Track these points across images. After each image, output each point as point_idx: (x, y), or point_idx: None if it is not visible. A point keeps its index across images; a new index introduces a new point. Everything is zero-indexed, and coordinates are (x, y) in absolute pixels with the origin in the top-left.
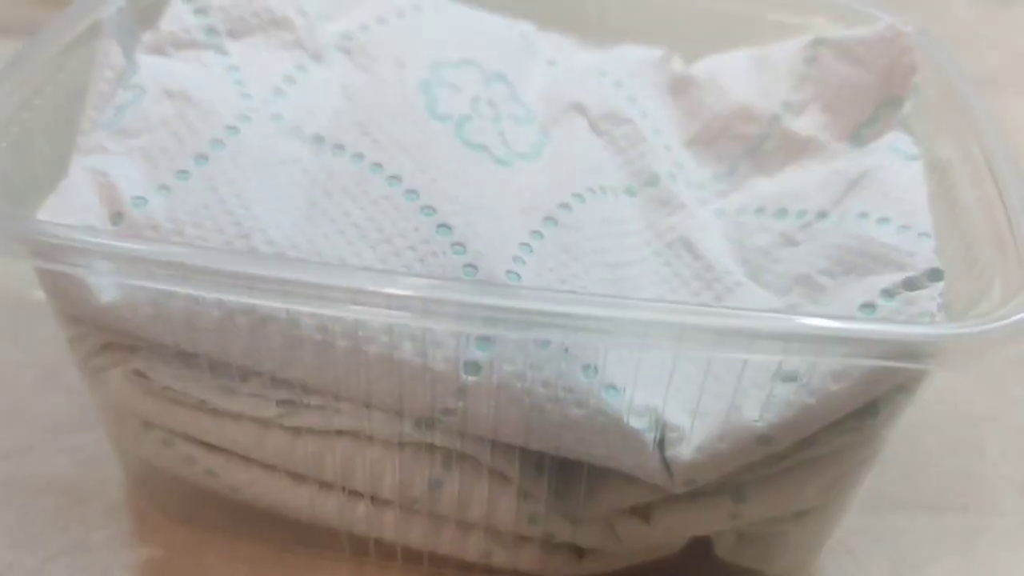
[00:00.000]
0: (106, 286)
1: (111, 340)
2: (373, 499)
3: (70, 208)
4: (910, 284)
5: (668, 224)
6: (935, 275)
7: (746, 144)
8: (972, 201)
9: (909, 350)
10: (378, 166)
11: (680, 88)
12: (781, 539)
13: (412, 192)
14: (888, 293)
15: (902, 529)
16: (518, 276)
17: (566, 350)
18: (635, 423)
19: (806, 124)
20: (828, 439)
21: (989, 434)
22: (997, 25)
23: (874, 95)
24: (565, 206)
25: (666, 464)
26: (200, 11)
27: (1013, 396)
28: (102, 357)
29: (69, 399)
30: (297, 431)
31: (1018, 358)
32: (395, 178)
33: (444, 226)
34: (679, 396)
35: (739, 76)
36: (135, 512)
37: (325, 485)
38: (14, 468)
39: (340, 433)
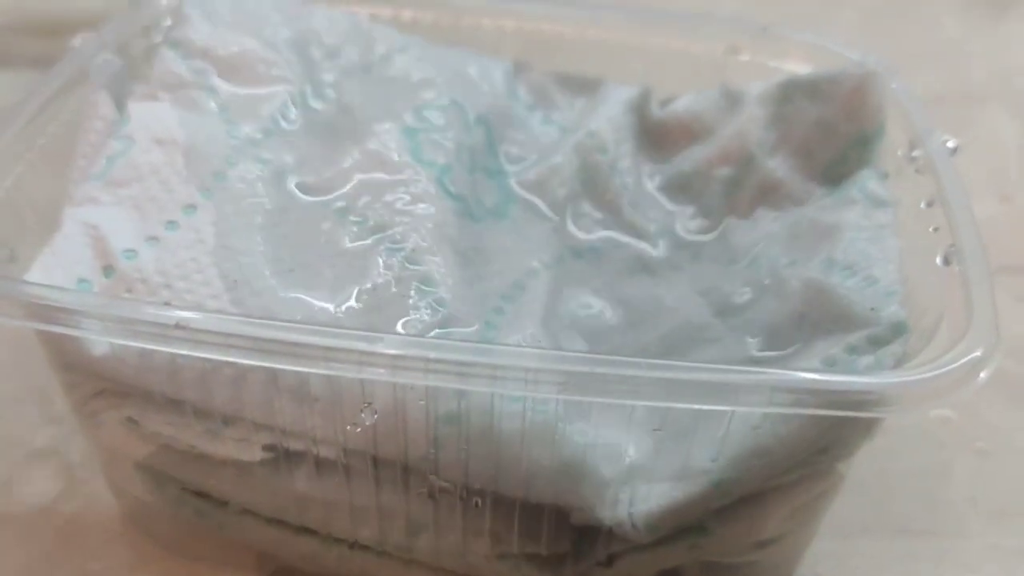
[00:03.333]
0: (99, 345)
1: (104, 387)
2: (353, 545)
3: (63, 262)
4: (875, 340)
5: (635, 288)
6: (900, 329)
7: (721, 185)
8: (923, 244)
9: (854, 400)
10: (363, 217)
11: (658, 131)
12: (747, 568)
13: (396, 245)
14: (852, 349)
15: (871, 554)
16: (495, 328)
17: (535, 403)
18: (604, 473)
19: (779, 164)
20: (782, 476)
21: (958, 456)
22: (986, 41)
23: (843, 133)
24: (532, 272)
25: (631, 516)
26: (188, 56)
27: (981, 419)
28: (95, 403)
29: (66, 431)
30: (280, 479)
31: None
32: (379, 228)
33: (426, 280)
34: (640, 445)
35: (714, 116)
36: (130, 544)
37: (308, 529)
38: (11, 500)
39: (321, 480)
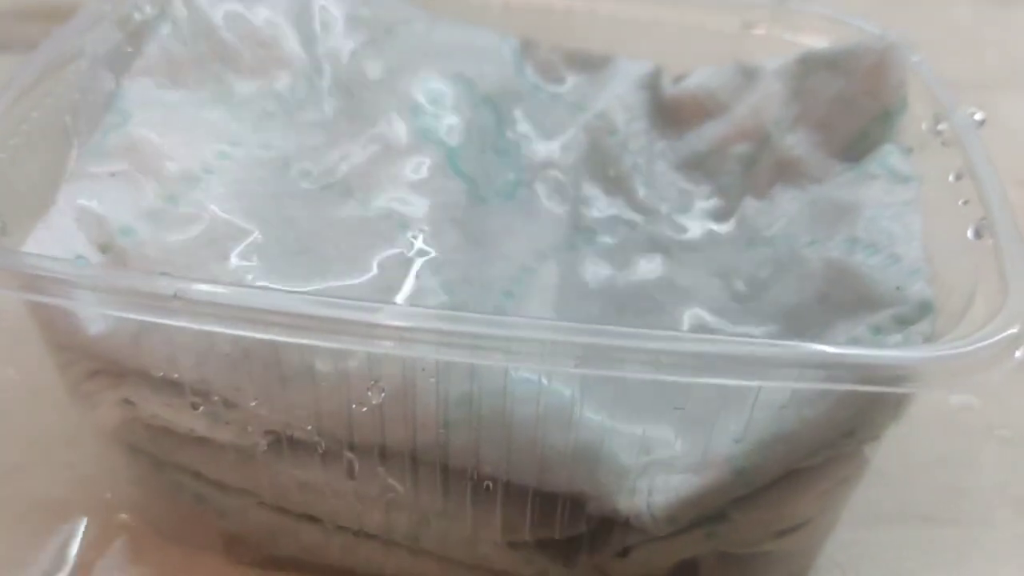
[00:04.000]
0: (94, 317)
1: (100, 367)
2: (358, 534)
3: (58, 238)
4: (901, 319)
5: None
6: (926, 308)
7: (738, 164)
8: (953, 218)
9: (887, 375)
10: (370, 199)
11: (671, 108)
12: (765, 558)
13: (404, 228)
14: (877, 329)
15: (893, 543)
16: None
17: (550, 383)
18: (622, 459)
19: (798, 141)
20: (807, 460)
21: (981, 445)
22: (996, 27)
23: (864, 109)
24: (542, 256)
25: (650, 506)
26: (186, 33)
27: (1006, 406)
28: (91, 384)
29: (61, 416)
30: (283, 465)
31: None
32: (387, 211)
33: (434, 263)
34: (660, 430)
35: (729, 93)
36: (127, 532)
37: (311, 517)
38: (4, 486)
39: (325, 466)
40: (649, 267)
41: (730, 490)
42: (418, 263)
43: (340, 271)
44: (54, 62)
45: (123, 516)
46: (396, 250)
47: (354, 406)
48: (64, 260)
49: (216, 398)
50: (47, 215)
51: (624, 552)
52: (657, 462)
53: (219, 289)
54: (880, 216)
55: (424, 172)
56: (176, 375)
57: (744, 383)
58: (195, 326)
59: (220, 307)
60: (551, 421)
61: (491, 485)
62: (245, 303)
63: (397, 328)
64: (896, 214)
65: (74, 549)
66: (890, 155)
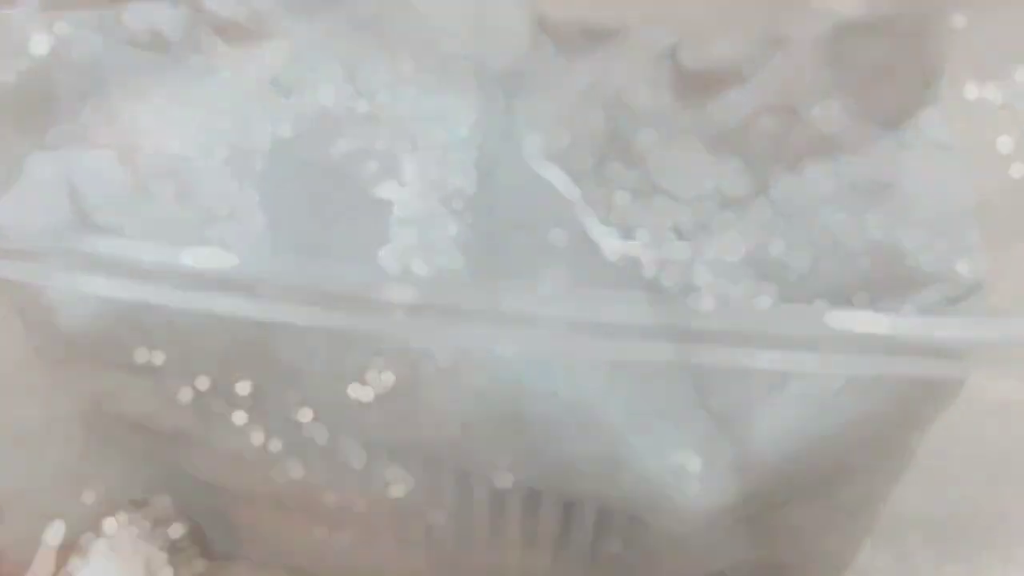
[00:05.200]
0: (67, 294)
1: (75, 353)
2: (360, 534)
3: (28, 211)
4: (948, 299)
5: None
6: (977, 287)
7: (766, 139)
8: (1009, 184)
9: (950, 351)
10: (368, 189)
11: (693, 81)
12: (800, 563)
13: (405, 216)
14: (926, 311)
15: (933, 547)
16: None
17: (574, 379)
18: (648, 462)
19: (831, 113)
20: (851, 458)
21: None
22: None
23: (905, 75)
24: (550, 250)
25: (678, 512)
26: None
27: None
28: (66, 371)
29: (38, 407)
30: (278, 464)
31: None
32: (387, 200)
33: (436, 256)
34: (691, 432)
35: (756, 63)
36: (107, 531)
37: (311, 517)
38: None
39: (325, 465)
40: (671, 257)
41: (767, 493)
42: (419, 257)
43: (337, 260)
44: (30, 23)
45: (103, 514)
46: (397, 242)
47: (354, 394)
48: (29, 229)
49: (205, 387)
50: (11, 188)
51: (648, 562)
52: (688, 466)
53: (203, 261)
54: (923, 189)
55: (428, 159)
56: (159, 361)
57: (791, 356)
58: (176, 302)
59: (204, 280)
60: (570, 419)
61: (505, 490)
62: (232, 275)
63: (400, 304)
64: (941, 185)
65: (51, 549)
66: (932, 123)
